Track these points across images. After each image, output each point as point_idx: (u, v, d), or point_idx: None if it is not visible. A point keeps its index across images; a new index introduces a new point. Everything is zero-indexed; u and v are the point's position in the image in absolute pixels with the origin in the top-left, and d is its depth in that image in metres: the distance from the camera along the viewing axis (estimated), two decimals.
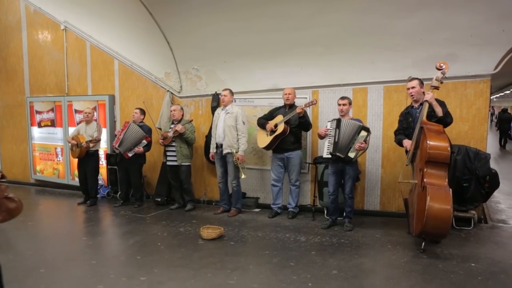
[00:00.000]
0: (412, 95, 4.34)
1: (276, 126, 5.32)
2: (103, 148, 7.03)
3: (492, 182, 4.75)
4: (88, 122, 6.46)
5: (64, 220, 5.83)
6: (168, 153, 5.99)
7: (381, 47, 5.12)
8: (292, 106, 5.36)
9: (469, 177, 4.68)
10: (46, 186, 8.08)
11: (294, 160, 5.41)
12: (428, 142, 3.81)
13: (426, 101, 4.03)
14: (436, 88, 4.08)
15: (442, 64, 4.03)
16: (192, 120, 6.05)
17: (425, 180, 3.84)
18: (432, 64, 4.91)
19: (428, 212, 3.66)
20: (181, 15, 5.62)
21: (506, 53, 4.74)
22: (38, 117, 8.08)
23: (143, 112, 6.35)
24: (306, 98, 5.63)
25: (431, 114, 4.08)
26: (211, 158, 5.81)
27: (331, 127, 4.86)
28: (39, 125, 8.08)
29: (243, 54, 5.82)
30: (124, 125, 6.24)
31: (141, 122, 6.29)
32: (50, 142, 7.94)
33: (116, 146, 6.12)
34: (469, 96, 5.02)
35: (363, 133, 4.65)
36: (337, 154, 4.72)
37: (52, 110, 7.84)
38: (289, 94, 5.36)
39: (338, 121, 4.78)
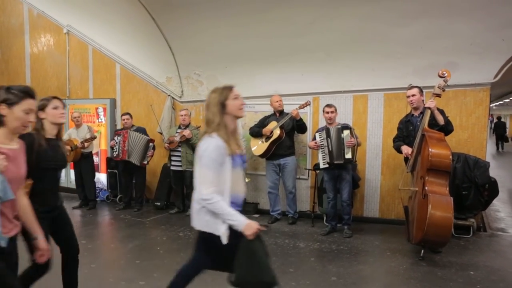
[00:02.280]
0: (412, 103, 4.35)
1: (271, 132, 5.34)
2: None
3: (491, 190, 4.77)
4: (78, 126, 6.43)
5: None
6: (173, 158, 6.01)
7: (382, 54, 5.16)
8: (282, 113, 5.41)
9: (468, 185, 4.70)
10: None
11: (289, 167, 5.42)
12: (430, 149, 3.82)
13: (429, 108, 4.04)
14: (438, 95, 4.11)
15: (444, 72, 4.06)
16: (200, 127, 6.05)
17: (426, 188, 3.85)
18: (432, 72, 4.96)
19: (429, 220, 3.66)
20: (184, 20, 5.66)
21: (506, 62, 4.78)
22: None
23: (131, 115, 6.36)
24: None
25: (432, 123, 4.09)
26: None
27: (320, 137, 4.91)
28: None
29: (244, 59, 5.85)
30: (124, 136, 6.14)
31: (132, 126, 6.30)
32: None
33: (126, 158, 6.06)
34: (468, 105, 5.05)
35: (346, 132, 4.75)
36: (336, 162, 4.76)
37: None
38: (280, 100, 5.44)
39: (328, 131, 4.84)
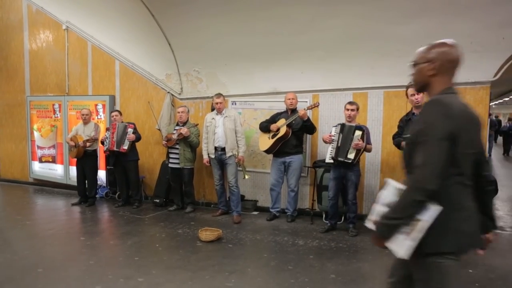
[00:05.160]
0: (417, 102, 4.29)
1: (278, 129, 5.34)
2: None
3: None
4: (85, 122, 6.47)
5: (62, 219, 5.83)
6: (171, 155, 6.00)
7: (382, 52, 5.14)
8: (294, 111, 5.38)
9: None
10: (44, 186, 8.06)
11: (295, 165, 5.40)
12: None
13: None
14: None
15: None
16: (197, 124, 6.03)
17: None
18: None
19: None
20: (183, 17, 5.64)
21: (506, 61, 4.77)
22: (39, 152, 8.11)
23: (120, 112, 6.44)
24: (306, 102, 5.65)
25: None
26: (206, 164, 5.82)
27: (335, 132, 4.89)
28: (40, 160, 8.12)
29: (244, 57, 5.84)
30: (112, 128, 6.18)
31: (122, 122, 6.31)
32: (51, 178, 7.96)
33: (115, 148, 6.09)
34: (468, 103, 5.01)
35: (358, 132, 4.69)
36: (339, 159, 4.74)
37: (53, 146, 7.89)
38: (292, 99, 5.39)
39: (343, 126, 4.81)
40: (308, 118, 5.24)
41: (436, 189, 1.58)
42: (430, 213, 1.61)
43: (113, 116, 6.29)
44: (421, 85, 1.87)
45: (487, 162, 1.93)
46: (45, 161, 8.04)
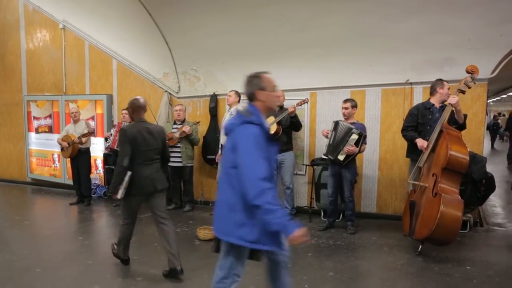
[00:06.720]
0: (448, 96, 4.19)
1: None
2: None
3: (488, 185, 4.77)
4: (75, 121, 6.43)
5: (60, 219, 5.82)
6: (171, 154, 5.97)
7: (380, 50, 5.14)
8: (282, 108, 5.38)
9: (465, 181, 4.67)
10: (42, 185, 8.05)
11: (287, 162, 5.40)
12: (450, 148, 3.77)
13: (451, 104, 3.94)
14: (462, 92, 4.03)
15: (473, 68, 3.99)
16: (199, 122, 6.02)
17: (438, 186, 3.82)
18: (430, 68, 4.95)
19: (439, 221, 3.65)
20: (180, 15, 5.63)
21: (504, 58, 4.77)
22: (35, 123, 8.07)
23: None
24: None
25: (449, 119, 4.04)
26: (217, 160, 5.83)
27: (331, 127, 4.89)
28: (37, 131, 8.08)
29: (241, 55, 5.83)
30: (118, 126, 6.18)
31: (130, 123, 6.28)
32: (47, 148, 7.91)
33: (115, 147, 6.08)
34: (466, 100, 5.03)
35: (354, 136, 4.58)
36: (329, 156, 4.74)
37: (50, 116, 7.83)
38: (279, 96, 5.39)
39: (336, 124, 4.80)
40: (296, 115, 5.23)
41: (126, 166, 3.44)
42: (128, 175, 3.47)
43: (123, 114, 6.23)
44: (131, 118, 3.72)
45: (168, 153, 3.93)
46: (42, 132, 7.97)
